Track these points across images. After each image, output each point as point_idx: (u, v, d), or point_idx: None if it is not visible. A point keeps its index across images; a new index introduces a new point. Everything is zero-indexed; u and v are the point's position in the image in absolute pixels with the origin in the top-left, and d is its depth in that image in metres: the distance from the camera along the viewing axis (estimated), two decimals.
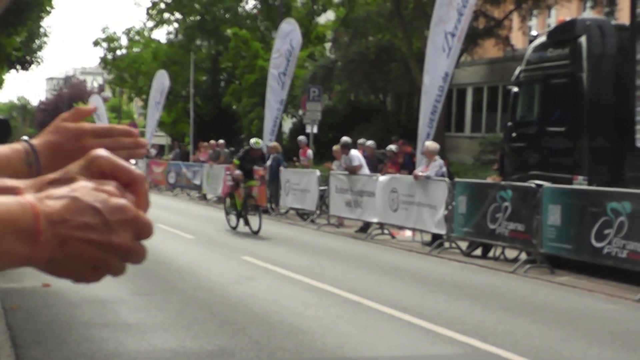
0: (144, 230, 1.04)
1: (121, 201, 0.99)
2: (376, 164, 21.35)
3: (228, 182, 19.43)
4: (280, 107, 27.42)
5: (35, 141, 1.34)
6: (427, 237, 17.02)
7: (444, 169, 16.95)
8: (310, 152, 24.82)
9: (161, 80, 41.65)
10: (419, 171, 16.97)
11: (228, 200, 19.69)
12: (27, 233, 0.95)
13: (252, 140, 19.34)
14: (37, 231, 0.95)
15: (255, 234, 17.92)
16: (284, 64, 27.16)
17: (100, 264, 0.99)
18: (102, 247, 0.98)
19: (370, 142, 22.28)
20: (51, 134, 1.34)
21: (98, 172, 1.03)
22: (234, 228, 18.94)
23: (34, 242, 0.95)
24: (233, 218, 19.18)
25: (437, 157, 16.88)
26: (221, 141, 32.02)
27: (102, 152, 1.04)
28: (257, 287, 11.08)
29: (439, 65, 18.13)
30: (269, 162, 24.45)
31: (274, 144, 25.02)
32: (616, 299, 11.12)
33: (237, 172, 18.77)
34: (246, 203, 18.65)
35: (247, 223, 18.41)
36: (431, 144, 17.02)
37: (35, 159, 1.32)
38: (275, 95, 27.43)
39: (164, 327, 8.41)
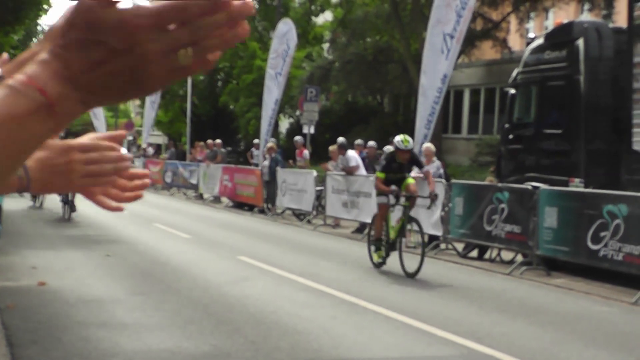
0: (197, 14, 0.90)
1: (125, 14, 0.90)
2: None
3: (379, 200, 13.56)
4: (275, 108, 27.44)
5: None
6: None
7: (442, 170, 17.00)
8: (306, 152, 24.83)
9: None
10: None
11: (376, 226, 13.72)
12: (41, 112, 0.92)
13: (399, 138, 13.19)
14: (50, 104, 0.92)
15: (410, 277, 12.46)
16: (280, 64, 27.19)
17: (143, 78, 0.93)
18: (132, 69, 0.92)
19: (371, 143, 22.31)
20: (39, 150, 1.36)
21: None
22: (380, 265, 13.42)
23: (51, 113, 0.92)
24: (381, 251, 13.52)
25: (435, 159, 16.93)
26: (218, 141, 32.01)
27: None
28: (253, 287, 11.07)
29: (436, 66, 18.14)
30: (266, 162, 24.48)
31: (271, 144, 25.04)
32: (612, 301, 11.13)
33: (393, 187, 13.03)
34: (403, 229, 13.27)
35: (400, 257, 12.86)
36: (431, 145, 17.09)
37: (24, 171, 1.34)
38: (271, 95, 27.46)
39: (160, 327, 8.41)
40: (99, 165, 1.37)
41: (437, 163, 16.89)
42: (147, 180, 1.58)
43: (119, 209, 1.50)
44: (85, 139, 1.41)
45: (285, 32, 27.47)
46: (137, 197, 1.55)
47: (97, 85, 0.93)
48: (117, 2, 0.90)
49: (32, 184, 1.36)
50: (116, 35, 0.90)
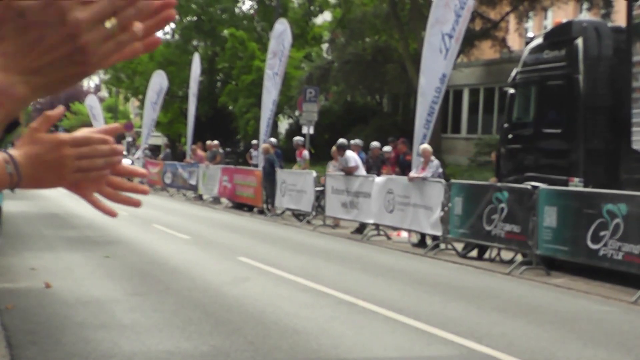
0: None
1: None
2: (380, 165, 21.36)
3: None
4: (272, 108, 27.44)
5: (13, 152, 1.35)
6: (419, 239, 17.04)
7: (441, 170, 17.01)
8: (305, 153, 24.81)
9: (159, 81, 41.72)
10: (415, 173, 16.99)
11: None
12: None
13: None
14: None
15: None
16: (277, 64, 27.22)
17: (82, 50, 0.96)
18: (68, 40, 0.96)
19: (375, 143, 22.29)
20: (29, 145, 1.35)
21: None
22: None
23: None
24: None
25: (433, 158, 16.95)
26: (216, 142, 32.01)
27: None
28: (252, 287, 11.07)
29: (435, 66, 18.12)
30: (261, 165, 24.55)
31: (265, 145, 25.02)
32: (612, 301, 11.12)
33: None
34: None
35: None
36: (428, 146, 17.13)
37: (15, 168, 1.33)
38: (269, 96, 27.48)
39: (158, 328, 8.40)
40: (90, 160, 1.36)
41: (435, 162, 16.90)
42: (146, 187, 1.57)
43: (113, 214, 1.48)
44: (79, 133, 1.40)
45: (281, 32, 27.50)
46: (133, 204, 1.51)
47: (39, 64, 0.96)
48: None
49: (23, 180, 1.35)
50: (45, 11, 0.94)
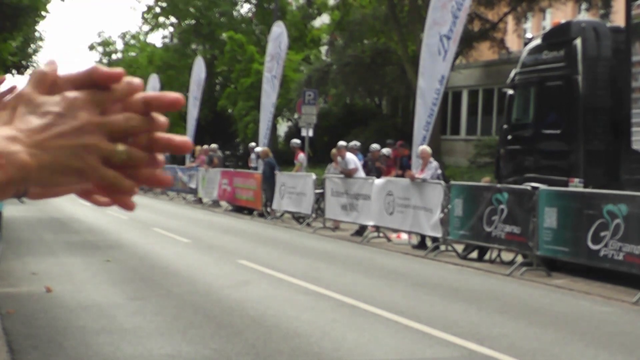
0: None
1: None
2: (379, 168, 21.36)
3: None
4: (271, 110, 27.45)
5: None
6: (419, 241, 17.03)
7: (439, 171, 17.01)
8: (302, 155, 24.78)
9: (153, 85, 41.93)
10: (414, 172, 17.00)
11: None
12: None
13: None
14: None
15: None
16: (275, 67, 27.25)
17: (84, 149, 0.96)
18: (75, 134, 0.95)
19: (375, 146, 22.29)
20: None
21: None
22: None
23: None
24: None
25: (432, 159, 16.95)
26: (213, 145, 32.03)
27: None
28: (253, 290, 11.07)
29: (434, 68, 18.13)
30: (261, 168, 24.57)
31: (264, 149, 25.02)
32: (613, 301, 11.12)
33: None
34: None
35: None
36: (427, 147, 17.12)
37: None
38: (269, 98, 27.50)
39: (160, 332, 8.40)
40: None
41: (434, 164, 16.91)
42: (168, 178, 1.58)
43: (130, 207, 1.51)
44: None
45: (278, 34, 27.55)
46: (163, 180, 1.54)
47: (47, 145, 0.95)
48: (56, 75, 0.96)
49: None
50: (58, 103, 0.95)
